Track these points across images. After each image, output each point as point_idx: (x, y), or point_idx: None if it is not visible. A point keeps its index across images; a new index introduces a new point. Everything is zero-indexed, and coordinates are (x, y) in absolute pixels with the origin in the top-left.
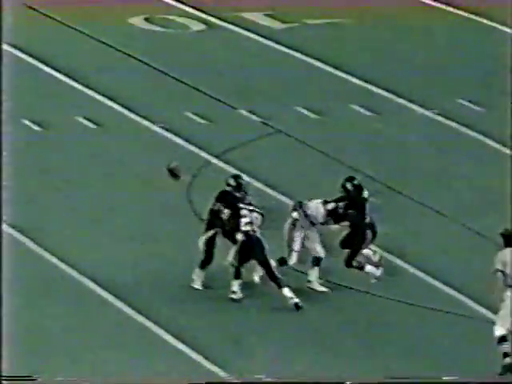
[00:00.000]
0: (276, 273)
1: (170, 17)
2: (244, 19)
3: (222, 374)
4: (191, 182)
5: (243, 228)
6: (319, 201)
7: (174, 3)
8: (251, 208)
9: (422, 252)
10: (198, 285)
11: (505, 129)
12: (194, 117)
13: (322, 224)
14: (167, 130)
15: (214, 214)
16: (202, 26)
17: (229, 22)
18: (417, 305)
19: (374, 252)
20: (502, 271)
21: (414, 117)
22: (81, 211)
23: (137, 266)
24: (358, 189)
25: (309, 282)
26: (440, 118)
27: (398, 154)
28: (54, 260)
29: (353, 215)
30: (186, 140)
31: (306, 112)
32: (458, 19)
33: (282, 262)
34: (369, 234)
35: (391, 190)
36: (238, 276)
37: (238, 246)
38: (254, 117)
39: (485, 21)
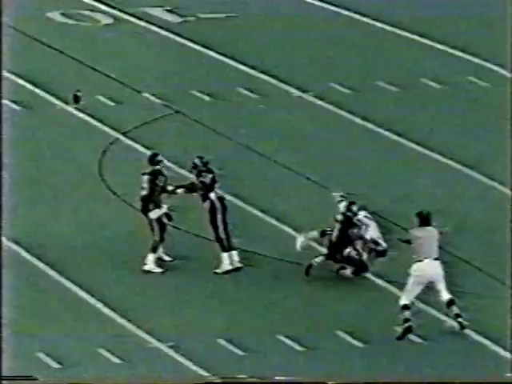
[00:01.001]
0: (221, 236)
1: (83, 12)
2: (147, 14)
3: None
4: (102, 158)
5: (217, 190)
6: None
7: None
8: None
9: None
10: (157, 269)
11: (375, 109)
12: (105, 99)
13: None
14: (82, 110)
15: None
16: (110, 20)
17: (134, 16)
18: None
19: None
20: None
21: (293, 98)
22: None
23: (60, 241)
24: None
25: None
26: (315, 100)
27: (281, 132)
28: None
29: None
30: (99, 120)
31: (200, 95)
32: (339, 17)
33: (323, 233)
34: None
35: (279, 165)
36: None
37: (218, 206)
38: (155, 99)
39: (359, 17)
